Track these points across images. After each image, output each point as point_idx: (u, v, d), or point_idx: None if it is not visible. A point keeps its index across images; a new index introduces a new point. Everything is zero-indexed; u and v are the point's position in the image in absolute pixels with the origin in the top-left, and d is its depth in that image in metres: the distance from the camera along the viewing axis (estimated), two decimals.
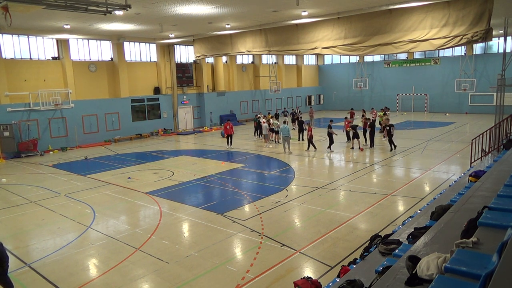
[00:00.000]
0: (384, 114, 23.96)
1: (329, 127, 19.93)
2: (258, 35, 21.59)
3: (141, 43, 27.89)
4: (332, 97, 45.43)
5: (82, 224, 10.46)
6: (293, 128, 25.69)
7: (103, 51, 26.01)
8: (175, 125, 30.16)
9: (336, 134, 20.22)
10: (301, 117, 25.53)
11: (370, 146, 20.10)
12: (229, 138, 21.67)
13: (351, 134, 20.75)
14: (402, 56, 39.39)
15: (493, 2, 13.58)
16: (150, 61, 28.89)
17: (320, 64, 46.29)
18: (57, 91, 22.87)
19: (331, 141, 19.70)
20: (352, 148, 20.22)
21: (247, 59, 37.18)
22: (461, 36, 14.36)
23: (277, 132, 22.60)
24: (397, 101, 40.30)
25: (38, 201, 12.67)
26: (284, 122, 21.16)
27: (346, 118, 23.99)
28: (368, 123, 20.49)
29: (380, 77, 41.35)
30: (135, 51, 27.85)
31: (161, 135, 28.46)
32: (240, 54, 24.85)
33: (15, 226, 10.51)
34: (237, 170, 16.50)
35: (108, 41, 25.74)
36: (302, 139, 22.75)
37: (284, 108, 36.55)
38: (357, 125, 20.91)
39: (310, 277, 5.64)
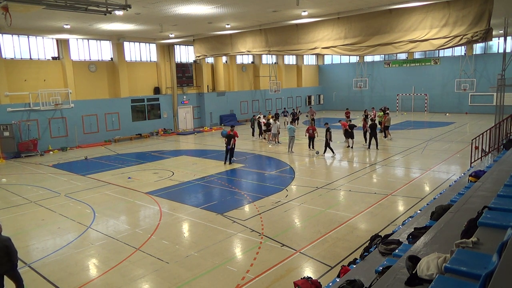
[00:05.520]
0: (384, 113, 23.95)
1: (352, 127, 20.38)
2: (258, 35, 21.59)
3: (141, 43, 27.88)
4: (332, 97, 45.42)
5: (82, 224, 10.46)
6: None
7: (103, 51, 26.00)
8: (175, 125, 30.16)
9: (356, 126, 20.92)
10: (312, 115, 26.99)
11: (369, 147, 20.05)
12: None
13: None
14: (402, 56, 39.39)
15: (493, 2, 13.58)
16: (150, 61, 28.89)
17: (320, 64, 46.29)
18: (57, 91, 22.87)
19: (351, 135, 20.32)
20: (352, 147, 20.25)
21: (247, 59, 37.18)
22: (461, 36, 14.35)
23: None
24: (397, 101, 40.30)
25: (38, 201, 12.67)
26: (290, 122, 21.91)
27: (350, 120, 23.86)
28: (369, 123, 20.47)
29: (380, 77, 41.35)
30: (135, 51, 27.84)
31: (161, 135, 28.46)
32: (240, 54, 24.84)
33: (15, 226, 10.50)
34: (237, 170, 16.50)
35: (108, 41, 25.74)
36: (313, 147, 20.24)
37: (284, 108, 36.53)
38: (355, 125, 20.96)
39: (310, 277, 5.65)
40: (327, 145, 18.74)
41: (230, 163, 17.40)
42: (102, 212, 11.43)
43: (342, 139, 22.21)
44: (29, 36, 22.16)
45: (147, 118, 28.31)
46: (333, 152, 18.86)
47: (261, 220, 10.21)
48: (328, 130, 18.64)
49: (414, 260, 3.70)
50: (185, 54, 31.38)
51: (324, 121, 21.03)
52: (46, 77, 22.96)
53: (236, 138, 17.85)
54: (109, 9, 12.51)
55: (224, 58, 33.53)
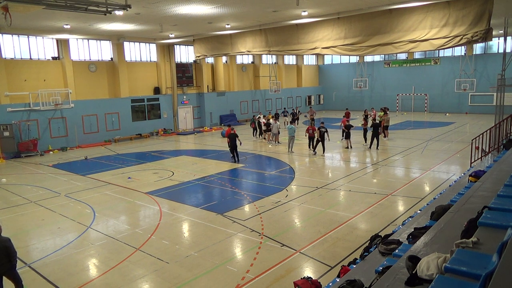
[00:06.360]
0: (385, 113, 23.94)
1: (349, 127, 20.58)
2: (258, 35, 21.58)
3: (141, 43, 27.88)
4: (332, 97, 45.41)
5: (82, 224, 10.46)
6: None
7: (103, 51, 26.00)
8: (175, 125, 30.16)
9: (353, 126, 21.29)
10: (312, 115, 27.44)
11: (370, 147, 20.03)
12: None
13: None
14: (402, 56, 39.38)
15: (493, 2, 13.58)
16: (150, 61, 28.89)
17: (320, 64, 46.29)
18: (57, 91, 22.86)
19: (348, 135, 20.53)
20: (351, 147, 20.25)
21: (247, 59, 37.17)
22: (461, 36, 14.35)
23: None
24: (397, 101, 40.29)
25: (38, 201, 12.67)
26: (290, 122, 22.14)
27: (348, 121, 23.85)
28: (371, 123, 20.46)
29: (380, 77, 41.34)
30: (135, 51, 27.84)
31: (161, 135, 28.46)
32: (240, 54, 24.84)
33: (15, 226, 10.50)
34: (237, 170, 16.50)
35: (108, 41, 25.73)
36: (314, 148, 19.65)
37: (284, 108, 36.54)
38: (352, 125, 21.02)
39: (310, 277, 5.65)
40: (318, 142, 18.98)
41: (238, 161, 17.92)
42: (102, 212, 11.43)
43: (341, 139, 22.28)
44: (29, 36, 22.16)
45: (147, 118, 28.31)
46: (313, 151, 19.23)
47: (261, 220, 10.21)
48: (319, 129, 18.79)
49: (414, 260, 3.70)
50: (185, 54, 31.38)
51: (324, 121, 21.03)
52: (46, 77, 22.95)
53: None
54: (109, 9, 12.50)
55: (224, 58, 33.52)
